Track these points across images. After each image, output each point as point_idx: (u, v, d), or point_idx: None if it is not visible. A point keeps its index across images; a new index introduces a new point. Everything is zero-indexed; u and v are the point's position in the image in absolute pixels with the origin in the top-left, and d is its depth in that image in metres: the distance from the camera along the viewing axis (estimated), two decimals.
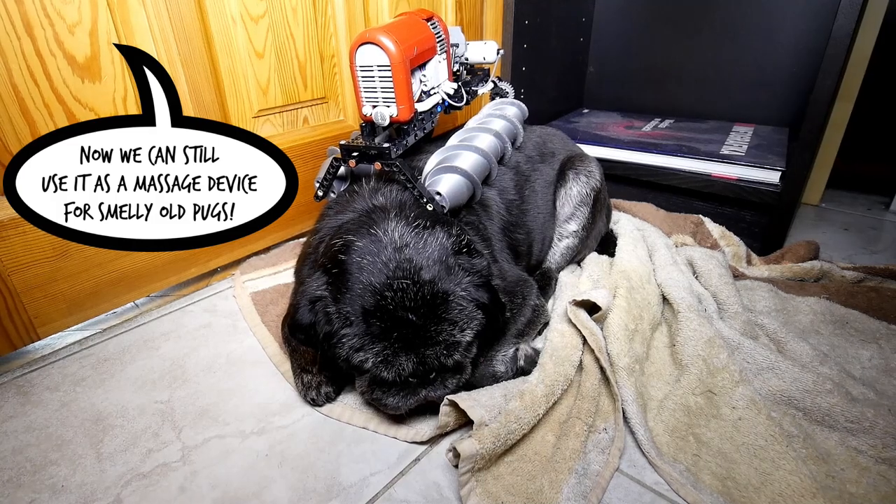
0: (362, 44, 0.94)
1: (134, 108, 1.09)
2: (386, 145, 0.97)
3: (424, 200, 0.92)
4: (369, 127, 1.02)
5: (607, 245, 1.35)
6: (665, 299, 1.12)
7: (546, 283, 1.20)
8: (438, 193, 0.95)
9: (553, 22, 1.98)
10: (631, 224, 1.42)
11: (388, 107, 0.97)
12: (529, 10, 1.83)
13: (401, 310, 0.76)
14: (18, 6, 0.91)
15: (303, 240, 1.08)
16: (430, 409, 0.89)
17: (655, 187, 1.67)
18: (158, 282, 1.23)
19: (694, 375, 0.92)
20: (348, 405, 0.91)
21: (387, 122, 0.98)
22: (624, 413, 0.86)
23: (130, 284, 1.18)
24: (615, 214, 1.52)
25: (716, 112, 2.05)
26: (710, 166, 1.57)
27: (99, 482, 0.77)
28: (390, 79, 0.95)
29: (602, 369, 0.92)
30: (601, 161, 1.36)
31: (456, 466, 0.76)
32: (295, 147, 1.41)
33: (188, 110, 1.17)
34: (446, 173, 0.98)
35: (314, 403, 0.91)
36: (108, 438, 0.85)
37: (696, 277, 1.21)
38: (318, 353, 0.86)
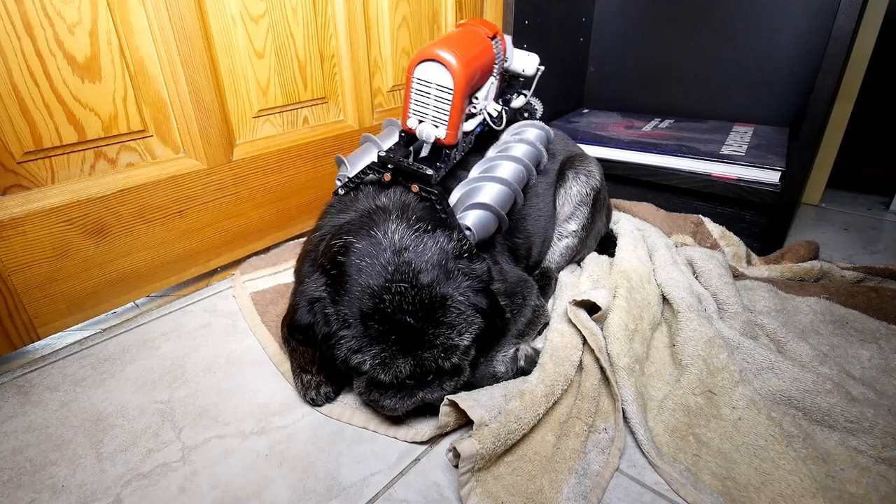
0: (428, 60, 0.89)
1: (134, 109, 1.09)
2: (429, 172, 0.92)
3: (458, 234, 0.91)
4: (407, 139, 1.00)
5: (607, 245, 1.35)
6: (665, 299, 1.12)
7: (546, 283, 1.20)
8: (468, 228, 0.92)
9: (553, 22, 1.98)
10: (631, 224, 1.42)
11: (437, 127, 0.93)
12: (529, 10, 1.83)
13: (398, 313, 0.76)
14: (18, 6, 0.91)
15: (303, 240, 1.07)
16: (430, 409, 0.89)
17: (655, 187, 1.67)
18: (158, 282, 1.23)
19: (694, 375, 0.92)
20: (348, 405, 0.91)
21: (431, 141, 0.95)
22: (624, 413, 0.86)
23: (130, 284, 1.18)
24: (615, 214, 1.52)
25: (716, 112, 2.05)
26: (710, 166, 1.57)
27: (99, 482, 0.77)
28: (448, 102, 0.91)
29: (602, 369, 0.92)
30: (601, 161, 1.36)
31: (456, 466, 0.76)
32: (295, 147, 1.41)
33: (188, 110, 1.17)
34: (473, 210, 0.94)
35: (313, 403, 0.91)
36: (108, 438, 0.85)
37: (696, 277, 1.21)
38: (318, 354, 0.86)
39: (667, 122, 2.02)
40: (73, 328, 1.13)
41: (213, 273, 1.37)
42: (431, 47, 0.90)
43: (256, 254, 1.42)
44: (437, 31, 1.73)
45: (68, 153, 1.04)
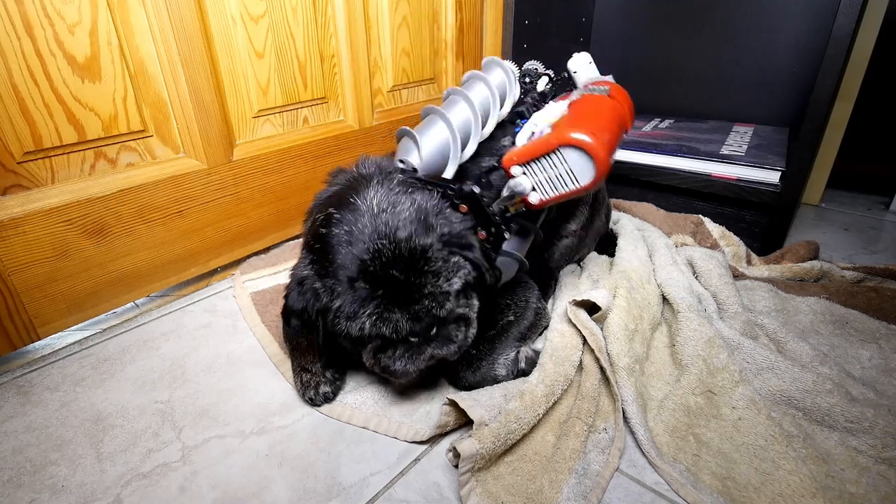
0: (582, 150, 0.82)
1: (134, 109, 1.09)
2: (506, 236, 0.91)
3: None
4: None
5: (607, 245, 1.35)
6: (665, 299, 1.12)
7: (546, 284, 1.20)
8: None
9: (553, 22, 1.98)
10: (631, 224, 1.42)
11: (536, 192, 0.89)
12: (529, 10, 1.83)
13: (382, 269, 0.77)
14: (18, 6, 0.91)
15: (303, 240, 1.07)
16: (428, 408, 0.89)
17: (655, 187, 1.67)
18: (158, 282, 1.23)
19: (694, 375, 0.92)
20: (348, 405, 0.91)
21: (519, 196, 0.90)
22: (624, 413, 0.86)
23: (130, 284, 1.18)
24: (615, 214, 1.52)
25: (716, 112, 2.05)
26: (710, 166, 1.57)
27: (99, 482, 0.77)
28: (567, 190, 0.86)
29: (602, 369, 0.92)
30: None
31: (456, 466, 0.76)
32: (295, 147, 1.41)
33: (188, 110, 1.17)
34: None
35: (312, 403, 0.91)
36: (108, 438, 0.85)
37: (696, 277, 1.21)
38: (317, 337, 0.85)
39: (667, 122, 2.02)
40: (73, 328, 1.13)
41: (213, 273, 1.37)
42: (595, 138, 0.81)
43: (256, 254, 1.42)
44: (437, 31, 1.73)
45: (68, 153, 1.04)
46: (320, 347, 0.89)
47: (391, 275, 0.77)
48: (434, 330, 0.82)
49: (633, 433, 0.84)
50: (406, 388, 0.94)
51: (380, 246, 0.78)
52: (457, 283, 0.81)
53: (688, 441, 0.82)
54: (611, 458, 0.79)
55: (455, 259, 0.81)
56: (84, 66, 1.01)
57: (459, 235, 0.84)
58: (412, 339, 0.81)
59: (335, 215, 0.82)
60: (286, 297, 0.84)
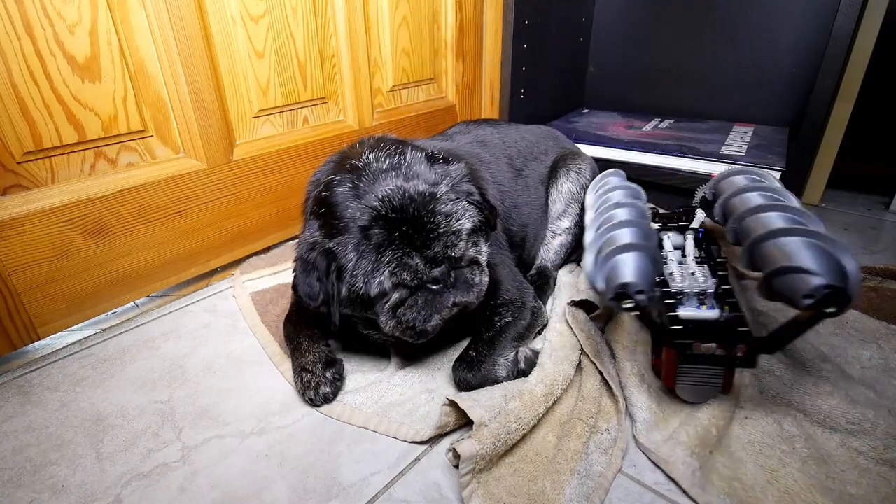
0: None
1: (134, 109, 1.09)
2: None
3: None
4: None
5: None
6: None
7: (544, 283, 1.20)
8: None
9: (553, 22, 1.98)
10: None
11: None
12: (529, 10, 1.83)
13: (394, 212, 0.79)
14: (18, 6, 0.91)
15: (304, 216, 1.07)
16: (428, 408, 0.89)
17: (656, 187, 1.67)
18: (158, 282, 1.23)
19: None
20: (348, 405, 0.91)
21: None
22: (632, 417, 0.86)
23: (130, 284, 1.18)
24: None
25: (716, 112, 2.05)
26: (710, 166, 1.57)
27: (99, 482, 0.77)
28: None
29: (600, 372, 0.92)
30: (601, 161, 1.37)
31: (456, 467, 0.76)
32: (295, 147, 1.41)
33: (188, 110, 1.17)
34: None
35: (312, 403, 0.91)
36: (108, 438, 0.85)
37: None
38: (335, 307, 0.83)
39: (667, 122, 2.02)
40: (73, 328, 1.13)
41: (213, 273, 1.37)
42: None
43: (256, 254, 1.42)
44: (437, 31, 1.73)
45: (68, 153, 1.03)
46: (337, 319, 0.86)
47: (405, 216, 0.78)
48: (453, 274, 0.83)
49: (635, 435, 0.84)
50: (406, 389, 0.94)
51: (389, 192, 0.79)
52: (467, 224, 0.83)
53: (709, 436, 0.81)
54: (613, 458, 0.78)
55: (462, 202, 0.84)
56: (84, 66, 1.01)
57: (460, 181, 0.87)
58: (433, 287, 0.82)
59: (335, 178, 0.84)
60: (295, 274, 0.85)
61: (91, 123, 1.04)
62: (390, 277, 0.79)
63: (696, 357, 0.81)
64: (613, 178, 1.14)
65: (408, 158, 0.86)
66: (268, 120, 1.36)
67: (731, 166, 1.11)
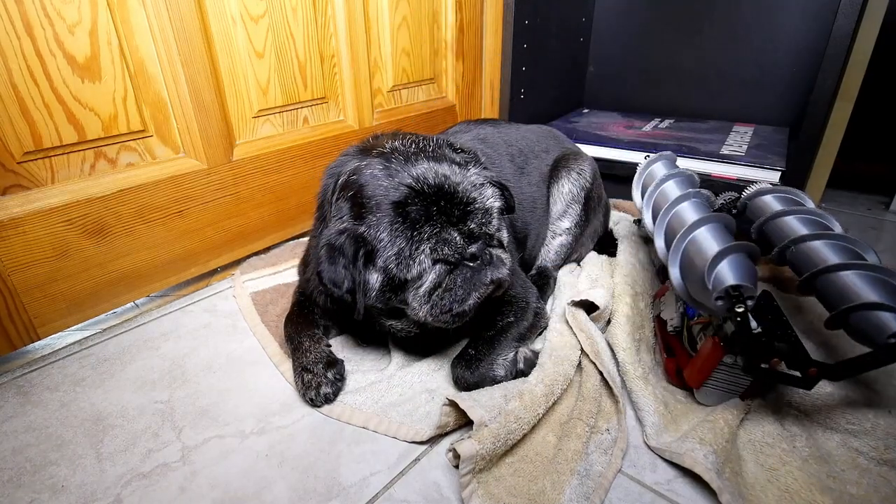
0: None
1: (134, 109, 1.09)
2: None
3: None
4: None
5: (607, 245, 1.35)
6: None
7: (544, 283, 1.20)
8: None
9: (553, 22, 1.98)
10: (632, 226, 1.42)
11: None
12: (529, 10, 1.83)
13: (430, 188, 0.79)
14: (18, 6, 0.91)
15: (303, 240, 1.07)
16: (428, 408, 0.89)
17: None
18: (158, 282, 1.23)
19: None
20: (348, 405, 0.91)
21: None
22: (641, 421, 0.86)
23: (130, 284, 1.18)
24: (616, 215, 1.52)
25: (716, 112, 2.05)
26: (710, 166, 1.57)
27: (99, 482, 0.77)
28: None
29: (600, 373, 0.92)
30: (601, 161, 1.36)
31: (456, 467, 0.76)
32: (295, 147, 1.41)
33: (188, 110, 1.17)
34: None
35: (312, 403, 0.91)
36: (108, 438, 0.85)
37: None
38: (362, 297, 0.82)
39: (667, 122, 2.02)
40: (73, 328, 1.13)
41: (213, 273, 1.37)
42: None
43: (256, 254, 1.42)
44: (437, 31, 1.73)
45: (68, 153, 1.03)
46: (360, 304, 0.83)
47: (441, 192, 0.79)
48: (488, 254, 0.83)
49: (645, 439, 0.84)
50: (406, 389, 0.94)
51: (423, 171, 0.80)
52: (498, 202, 0.85)
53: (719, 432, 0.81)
54: (613, 458, 0.78)
55: (488, 184, 0.85)
56: (84, 66, 1.01)
57: (482, 165, 0.88)
58: (471, 265, 0.82)
59: (362, 163, 0.85)
60: (318, 262, 0.82)
61: (91, 123, 1.04)
62: (430, 254, 0.79)
63: (762, 372, 0.79)
64: (667, 168, 1.15)
65: (433, 144, 0.88)
66: (268, 120, 1.36)
67: (761, 185, 1.10)
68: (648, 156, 1.24)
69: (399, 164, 0.82)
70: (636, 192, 1.21)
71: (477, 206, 0.82)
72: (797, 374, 0.78)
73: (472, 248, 0.81)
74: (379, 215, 0.79)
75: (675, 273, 0.86)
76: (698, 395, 0.88)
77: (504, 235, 0.90)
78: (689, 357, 0.89)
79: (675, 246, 0.86)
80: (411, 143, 0.87)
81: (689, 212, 0.95)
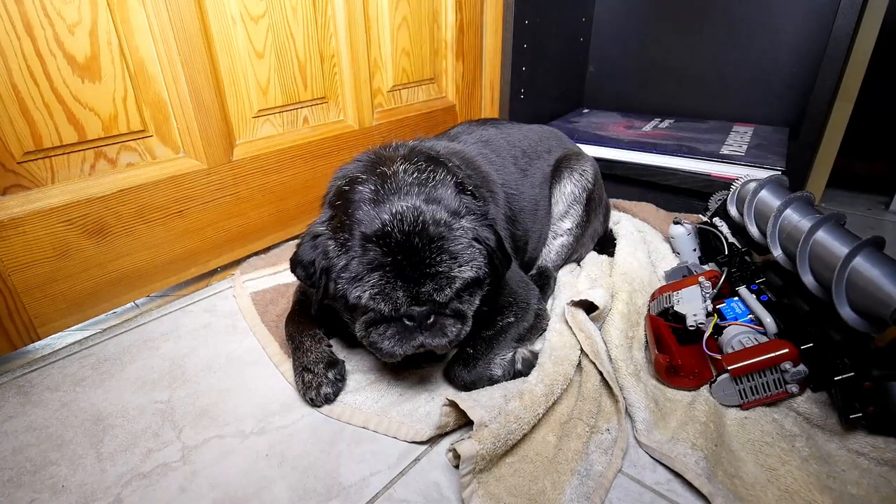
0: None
1: (134, 109, 1.09)
2: None
3: None
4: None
5: (606, 245, 1.35)
6: None
7: (545, 283, 1.20)
8: None
9: (553, 22, 1.98)
10: (631, 225, 1.42)
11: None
12: (529, 10, 1.83)
13: (400, 234, 0.75)
14: (18, 6, 0.91)
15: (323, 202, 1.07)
16: (428, 408, 0.89)
17: (655, 187, 1.67)
18: (158, 282, 1.23)
19: None
20: (348, 405, 0.91)
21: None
22: (631, 417, 0.86)
23: (130, 284, 1.18)
24: (616, 215, 1.52)
25: (716, 112, 2.05)
26: (710, 166, 1.57)
27: (99, 482, 0.77)
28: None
29: (600, 372, 0.92)
30: (601, 161, 1.37)
31: (456, 467, 0.76)
32: (295, 147, 1.41)
33: (188, 110, 1.17)
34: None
35: (312, 403, 0.91)
36: (108, 438, 0.85)
37: None
38: (316, 297, 0.85)
39: (667, 122, 2.02)
40: (73, 328, 1.13)
41: (213, 273, 1.37)
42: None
43: (256, 254, 1.42)
44: (437, 31, 1.73)
45: (68, 153, 1.03)
46: (317, 306, 0.87)
47: (407, 243, 0.75)
48: (432, 318, 0.81)
49: (636, 435, 0.84)
50: (406, 389, 0.94)
51: (403, 210, 0.76)
52: (468, 272, 0.79)
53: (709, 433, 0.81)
54: (614, 458, 0.78)
55: (477, 247, 0.80)
56: (84, 66, 1.01)
57: (487, 219, 0.83)
58: (407, 323, 0.80)
59: (361, 177, 0.83)
60: (298, 246, 0.86)
61: (91, 123, 1.04)
62: (369, 299, 0.77)
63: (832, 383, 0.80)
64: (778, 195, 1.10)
65: (436, 178, 0.82)
66: (268, 120, 1.36)
67: (789, 196, 1.07)
68: (746, 177, 1.24)
69: (389, 192, 0.78)
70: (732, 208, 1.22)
71: (440, 269, 0.77)
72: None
73: (413, 311, 0.78)
74: (347, 237, 0.78)
75: (845, 309, 0.84)
76: (716, 386, 0.88)
77: (473, 304, 0.85)
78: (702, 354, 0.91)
79: (837, 279, 0.84)
80: (415, 171, 0.82)
81: (832, 240, 0.91)
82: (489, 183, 1.07)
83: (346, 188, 0.82)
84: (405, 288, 0.76)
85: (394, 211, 0.76)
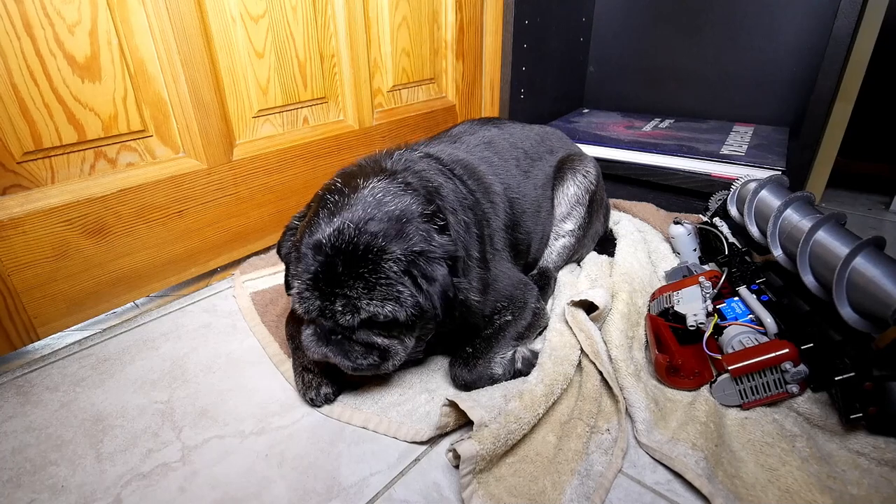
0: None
1: (134, 109, 1.09)
2: None
3: None
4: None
5: (607, 245, 1.35)
6: None
7: (545, 283, 1.20)
8: None
9: (553, 22, 1.98)
10: (631, 225, 1.42)
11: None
12: (529, 10, 1.83)
13: (330, 249, 0.77)
14: (18, 6, 0.90)
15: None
16: (428, 408, 0.89)
17: (655, 187, 1.67)
18: (158, 282, 1.23)
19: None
20: (348, 405, 0.91)
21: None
22: (631, 417, 0.85)
23: (130, 284, 1.18)
24: (616, 215, 1.52)
25: (716, 112, 2.05)
26: (710, 166, 1.57)
27: (99, 482, 0.77)
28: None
29: (600, 372, 0.92)
30: (601, 161, 1.36)
31: (456, 467, 0.76)
32: (295, 147, 1.41)
33: (188, 110, 1.17)
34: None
35: (312, 403, 0.91)
36: (108, 438, 0.85)
37: None
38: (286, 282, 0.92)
39: (667, 122, 2.02)
40: (73, 328, 1.13)
41: (212, 273, 1.37)
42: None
43: (256, 254, 1.42)
44: (436, 30, 1.73)
45: (68, 153, 1.03)
46: (287, 289, 0.90)
47: (331, 262, 0.77)
48: (339, 336, 0.82)
49: (636, 436, 0.84)
50: (406, 389, 0.94)
51: (343, 227, 0.78)
52: (385, 309, 0.77)
53: (709, 433, 0.81)
54: (614, 458, 0.78)
55: (404, 284, 0.77)
56: (84, 66, 1.01)
57: (429, 260, 0.79)
58: (317, 330, 0.83)
59: (338, 183, 0.86)
60: (283, 233, 0.94)
61: (91, 123, 1.04)
62: (296, 296, 0.81)
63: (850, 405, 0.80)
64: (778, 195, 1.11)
65: (400, 204, 0.80)
66: (268, 120, 1.36)
67: (789, 196, 1.07)
68: (744, 177, 1.25)
69: (343, 207, 0.80)
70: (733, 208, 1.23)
71: (349, 294, 0.77)
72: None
73: (321, 322, 0.81)
74: (300, 238, 0.83)
75: (845, 309, 0.84)
76: (716, 386, 0.88)
77: (377, 340, 0.82)
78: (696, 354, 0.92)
79: (838, 279, 0.84)
80: (382, 192, 0.81)
81: (833, 240, 0.91)
82: (490, 194, 1.07)
83: (321, 192, 0.88)
84: (320, 299, 0.79)
85: (336, 226, 0.78)
